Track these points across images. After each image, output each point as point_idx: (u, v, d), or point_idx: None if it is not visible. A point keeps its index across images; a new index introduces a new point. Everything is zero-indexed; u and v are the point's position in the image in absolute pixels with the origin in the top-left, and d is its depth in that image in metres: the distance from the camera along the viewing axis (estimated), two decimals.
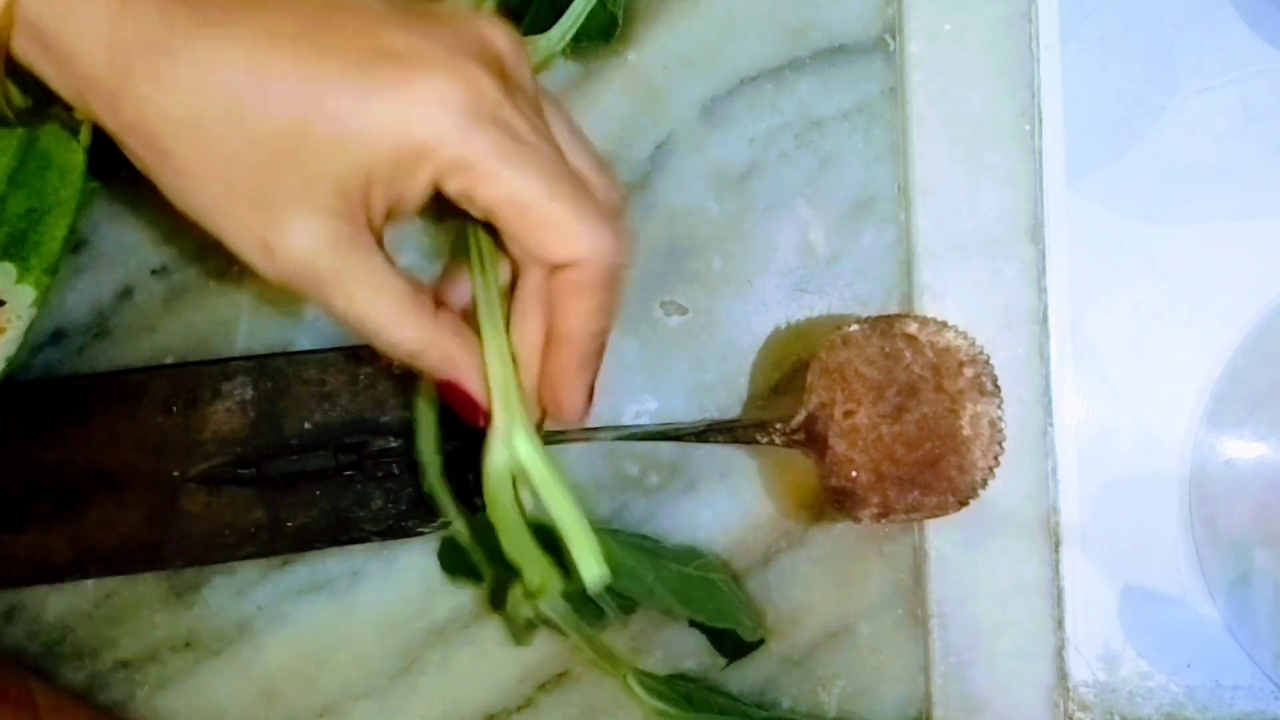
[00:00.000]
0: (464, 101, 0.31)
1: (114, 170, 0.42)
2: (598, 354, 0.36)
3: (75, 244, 0.45)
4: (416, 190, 0.32)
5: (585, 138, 0.37)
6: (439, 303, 0.36)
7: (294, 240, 0.32)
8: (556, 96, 0.37)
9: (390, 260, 0.34)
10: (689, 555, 0.46)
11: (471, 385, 0.36)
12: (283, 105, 0.30)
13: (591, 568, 0.35)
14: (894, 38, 0.48)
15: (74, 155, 0.40)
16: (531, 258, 0.35)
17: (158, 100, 0.30)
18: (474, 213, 0.34)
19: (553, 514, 0.36)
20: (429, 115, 0.31)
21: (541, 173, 0.32)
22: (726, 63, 0.48)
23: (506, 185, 0.32)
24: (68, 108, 0.33)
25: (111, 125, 0.31)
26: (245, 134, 0.31)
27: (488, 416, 0.36)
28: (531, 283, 0.36)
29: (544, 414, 0.37)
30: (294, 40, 0.31)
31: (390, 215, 0.33)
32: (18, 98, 0.33)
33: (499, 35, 0.34)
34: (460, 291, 0.38)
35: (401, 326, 0.34)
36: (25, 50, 0.31)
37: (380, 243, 0.33)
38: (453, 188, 0.32)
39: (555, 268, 0.34)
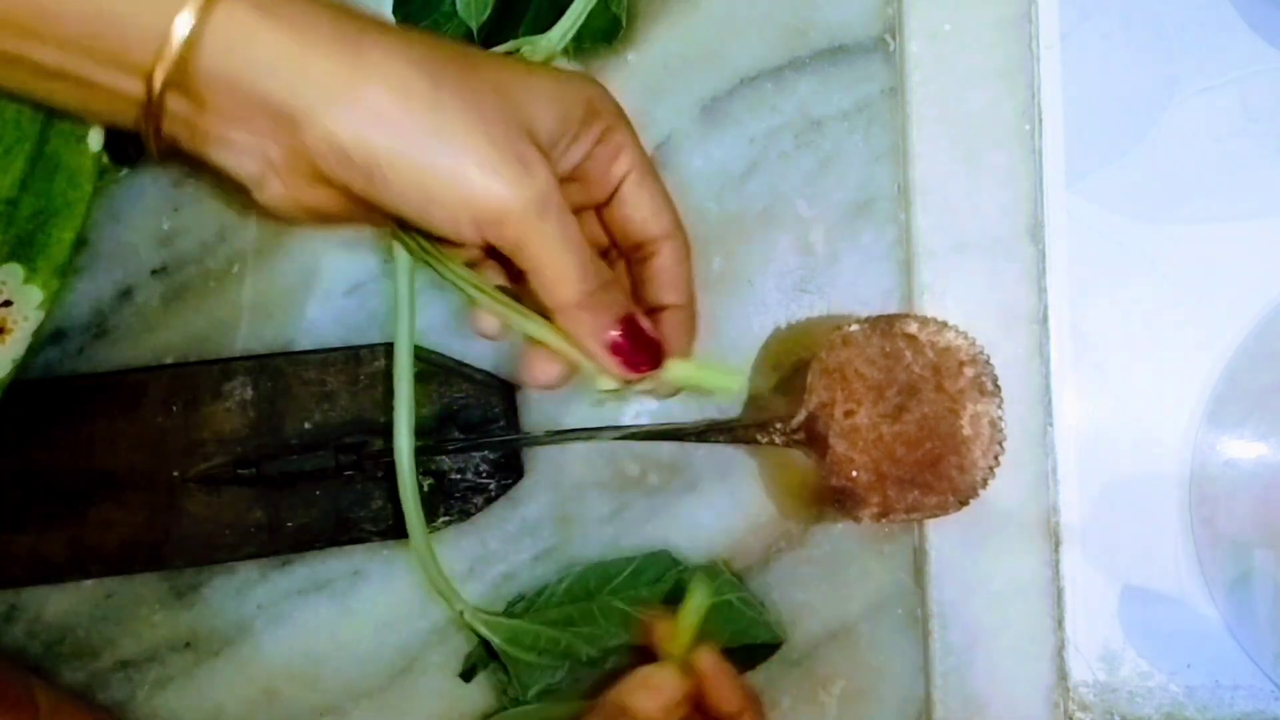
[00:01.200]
0: (537, 195, 0.35)
1: (134, 157, 0.43)
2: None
3: (76, 244, 0.45)
4: (582, 148, 0.38)
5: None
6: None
7: (534, 167, 0.35)
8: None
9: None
10: (708, 574, 0.46)
11: (646, 323, 0.39)
12: (403, 170, 0.34)
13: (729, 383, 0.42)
14: (894, 38, 0.48)
15: (83, 159, 0.40)
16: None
17: (381, 73, 0.34)
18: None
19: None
20: (510, 200, 0.35)
21: (571, 256, 0.37)
22: (726, 63, 0.48)
23: (534, 258, 0.36)
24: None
25: (333, 104, 0.34)
26: (454, 93, 0.35)
27: (662, 358, 0.40)
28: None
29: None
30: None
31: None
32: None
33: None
34: None
35: (591, 255, 0.38)
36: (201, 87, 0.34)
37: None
38: (608, 147, 0.39)
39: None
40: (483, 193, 0.34)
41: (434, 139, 0.34)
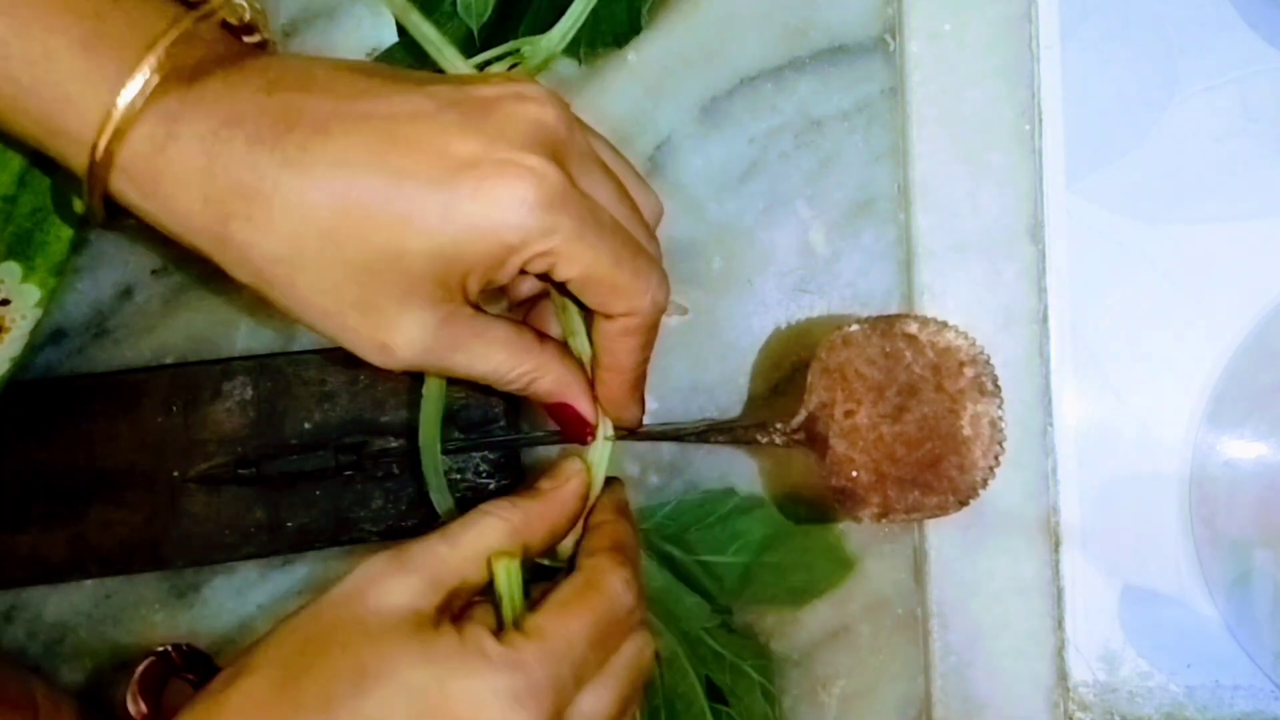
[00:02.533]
0: (537, 197, 0.34)
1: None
2: (645, 374, 0.41)
3: (76, 244, 0.45)
4: (506, 274, 0.36)
5: (628, 167, 0.41)
6: (541, 336, 0.40)
7: (406, 336, 0.35)
8: (600, 138, 0.40)
9: (488, 314, 0.37)
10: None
11: (582, 404, 0.40)
12: (373, 232, 0.33)
13: None
14: (894, 38, 0.48)
15: None
16: (598, 311, 0.38)
17: (257, 242, 0.33)
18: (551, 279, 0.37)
19: None
20: (511, 219, 0.34)
21: (606, 245, 0.36)
22: (726, 63, 0.48)
23: (579, 262, 0.35)
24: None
25: (218, 259, 0.35)
26: (344, 260, 0.34)
27: (593, 430, 0.41)
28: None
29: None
30: (369, 167, 0.33)
31: (483, 290, 0.37)
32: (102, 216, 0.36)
33: (547, 110, 0.35)
34: (552, 327, 0.42)
35: (516, 365, 0.38)
36: (126, 192, 0.34)
37: (479, 303, 0.37)
38: (536, 268, 0.35)
39: (610, 315, 0.38)
40: (371, 355, 0.36)
41: (319, 298, 0.35)
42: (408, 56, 0.45)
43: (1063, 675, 0.49)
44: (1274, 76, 0.50)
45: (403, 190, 0.33)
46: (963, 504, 0.45)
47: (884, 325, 0.44)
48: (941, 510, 0.45)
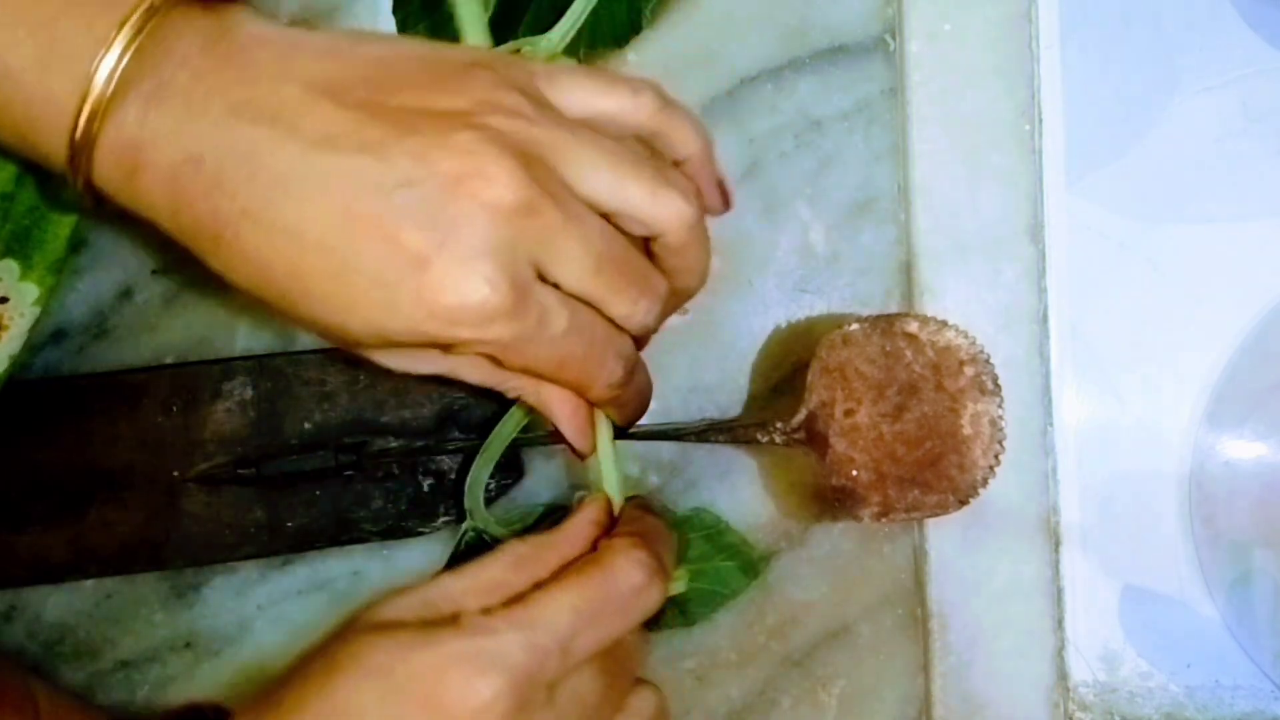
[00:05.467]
0: (481, 312, 0.32)
1: None
2: (643, 379, 0.40)
3: (75, 243, 0.45)
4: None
5: (603, 83, 0.37)
6: None
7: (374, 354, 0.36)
8: (565, 70, 0.37)
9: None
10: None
11: (564, 426, 0.40)
12: (319, 306, 0.33)
13: None
14: (894, 38, 0.48)
15: None
16: None
17: (228, 263, 0.33)
18: None
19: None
20: (452, 329, 0.32)
21: (549, 354, 0.34)
22: (726, 63, 0.48)
23: (520, 362, 0.35)
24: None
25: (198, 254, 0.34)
26: (305, 294, 0.33)
27: (585, 449, 0.40)
28: None
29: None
30: (321, 249, 0.32)
31: None
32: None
33: (512, 187, 0.32)
34: None
35: (501, 381, 0.38)
36: (110, 177, 0.33)
37: None
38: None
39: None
40: (443, 293, 0.33)
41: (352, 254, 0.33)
42: None
43: (1063, 675, 0.49)
44: (1274, 76, 0.50)
45: (349, 280, 0.32)
46: (963, 503, 0.45)
47: (884, 325, 0.44)
48: (941, 510, 0.45)
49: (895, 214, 0.48)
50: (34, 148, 0.33)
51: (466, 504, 0.44)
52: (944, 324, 0.44)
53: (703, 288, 0.39)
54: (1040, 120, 0.49)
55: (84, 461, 0.44)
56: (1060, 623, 0.49)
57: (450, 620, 0.33)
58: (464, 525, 0.45)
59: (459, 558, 0.46)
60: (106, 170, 0.32)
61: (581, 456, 0.40)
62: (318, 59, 0.33)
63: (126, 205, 0.34)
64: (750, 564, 0.47)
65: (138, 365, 0.46)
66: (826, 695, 0.48)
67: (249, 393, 0.45)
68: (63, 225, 0.40)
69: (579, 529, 0.38)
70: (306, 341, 0.46)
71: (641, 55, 0.47)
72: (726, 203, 0.40)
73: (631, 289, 0.35)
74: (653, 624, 0.41)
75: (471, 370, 0.38)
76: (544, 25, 0.44)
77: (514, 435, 0.44)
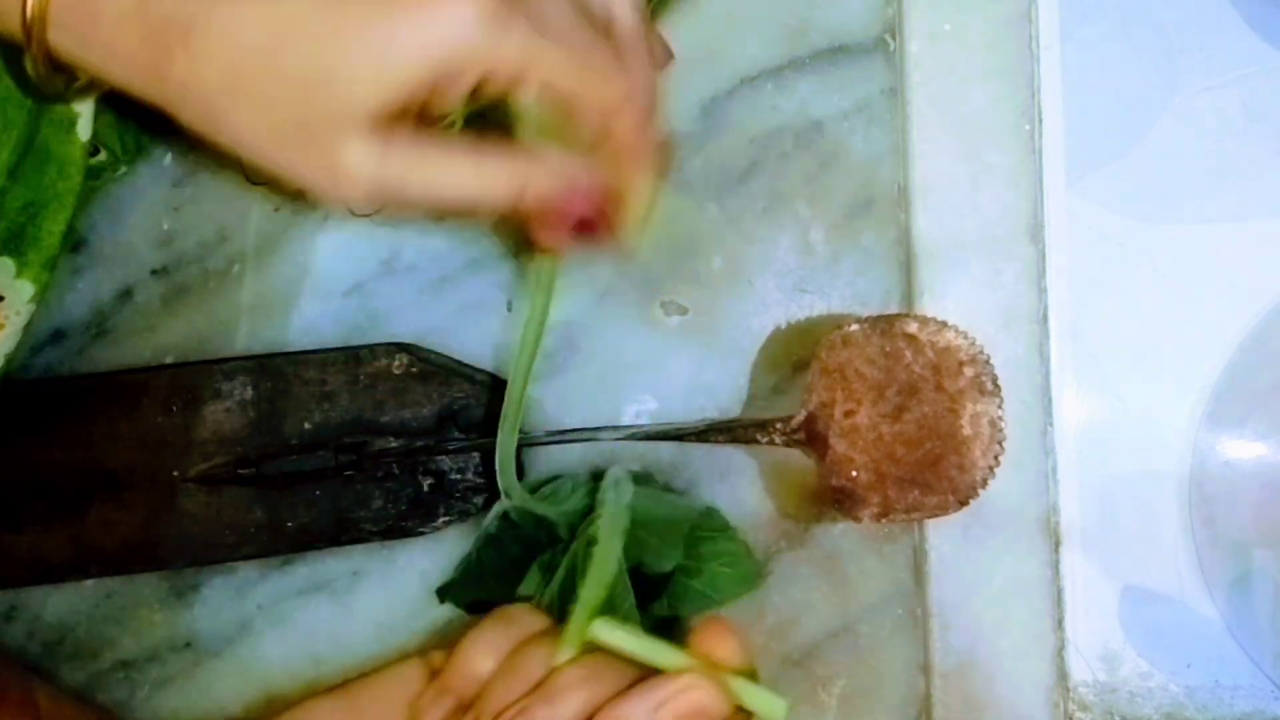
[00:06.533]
0: (479, 11, 0.32)
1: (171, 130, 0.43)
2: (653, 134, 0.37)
3: (75, 244, 0.45)
4: (455, 97, 0.33)
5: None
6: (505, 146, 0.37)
7: (354, 162, 0.33)
8: None
9: (441, 135, 0.35)
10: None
11: (592, 181, 0.36)
12: (311, 52, 0.32)
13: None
14: (894, 38, 0.48)
15: (73, 149, 0.40)
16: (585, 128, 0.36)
17: (196, 71, 0.32)
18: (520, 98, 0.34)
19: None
20: (455, 36, 0.32)
21: (567, 54, 0.33)
22: (726, 63, 0.48)
23: (539, 80, 0.33)
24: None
25: (161, 99, 0.33)
26: (283, 82, 0.32)
27: (611, 218, 0.36)
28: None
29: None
30: (300, 20, 0.32)
31: (436, 114, 0.35)
32: (60, 84, 0.35)
33: None
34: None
35: (493, 175, 0.35)
36: (65, 46, 0.33)
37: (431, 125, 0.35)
38: (490, 90, 0.33)
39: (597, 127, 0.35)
40: (326, 185, 0.33)
41: (261, 131, 0.33)
42: None
43: (1063, 675, 0.49)
44: (1274, 76, 0.50)
45: (340, 11, 0.32)
46: (963, 504, 0.45)
47: (884, 325, 0.44)
48: (941, 510, 0.45)
49: (895, 214, 0.48)
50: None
51: (501, 485, 0.44)
52: (944, 324, 0.44)
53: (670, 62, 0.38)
54: (1040, 120, 0.49)
55: (84, 461, 0.44)
56: (1060, 623, 0.49)
57: None
58: (498, 506, 0.45)
59: (492, 539, 0.46)
60: (62, 34, 0.32)
61: (621, 226, 0.37)
62: None
63: (83, 64, 0.34)
64: (748, 575, 0.47)
65: (138, 365, 0.46)
66: (826, 695, 0.48)
67: (249, 393, 0.45)
68: (57, 221, 0.40)
69: None
70: (306, 342, 0.46)
71: None
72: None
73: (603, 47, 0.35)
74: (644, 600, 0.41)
75: (455, 169, 0.35)
76: None
77: (525, 389, 0.42)
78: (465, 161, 0.35)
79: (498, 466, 0.43)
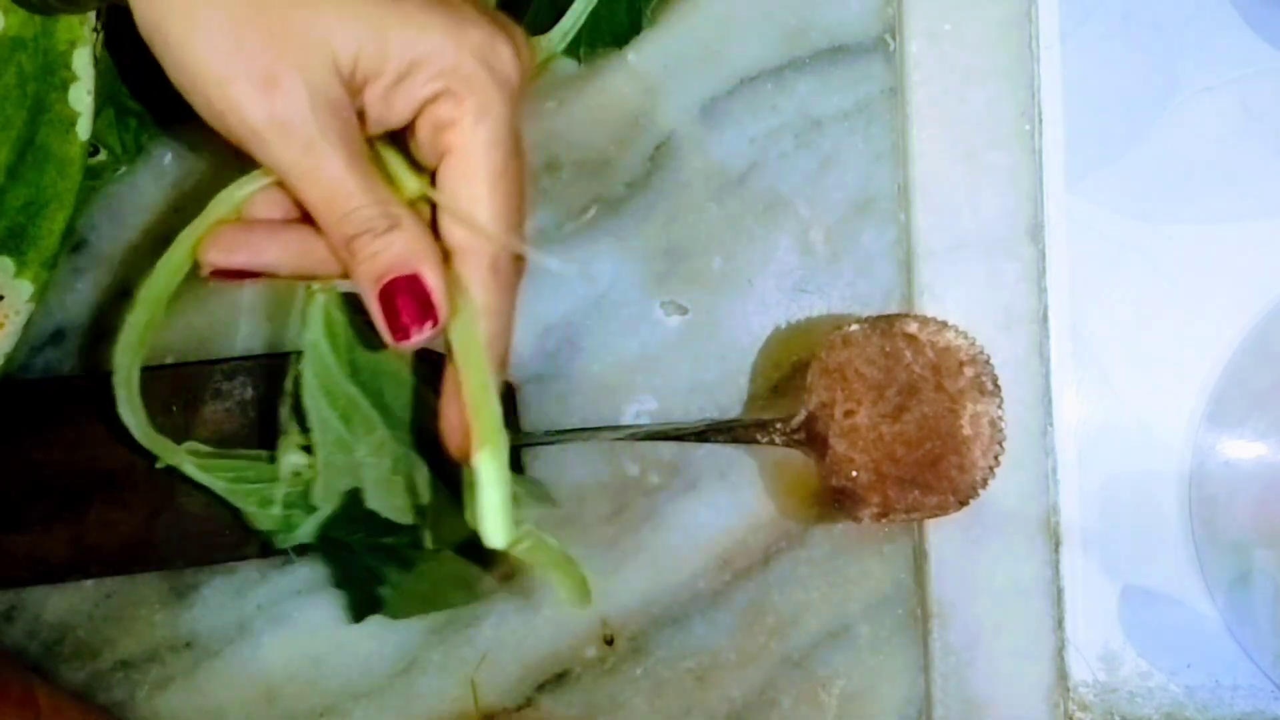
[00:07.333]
0: (478, 44, 0.33)
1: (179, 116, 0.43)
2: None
3: (75, 244, 0.45)
4: (406, 102, 0.34)
5: None
6: None
7: (291, 86, 0.32)
8: None
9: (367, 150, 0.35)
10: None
11: (432, 279, 0.35)
12: None
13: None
14: (894, 38, 0.48)
15: (72, 147, 0.40)
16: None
17: None
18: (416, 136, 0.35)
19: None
20: (446, 45, 0.33)
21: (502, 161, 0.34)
22: (726, 63, 0.48)
23: (475, 142, 0.34)
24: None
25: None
26: (250, 20, 0.32)
27: (437, 320, 0.35)
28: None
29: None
30: None
31: (375, 120, 0.35)
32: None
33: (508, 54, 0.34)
34: None
35: (363, 193, 0.34)
36: None
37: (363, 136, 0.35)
38: (439, 112, 0.34)
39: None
40: (225, 105, 0.32)
41: (196, 35, 0.32)
42: None
43: (1063, 675, 0.49)
44: (1274, 76, 0.50)
45: None
46: (963, 504, 0.45)
47: (884, 325, 0.44)
48: (941, 510, 0.45)
49: (895, 214, 0.48)
50: None
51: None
52: (944, 324, 0.44)
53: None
54: (1040, 120, 0.49)
55: (84, 461, 0.44)
56: (1060, 623, 0.49)
57: None
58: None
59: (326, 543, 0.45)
60: None
61: (431, 325, 0.36)
62: None
63: None
64: (470, 585, 0.45)
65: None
66: (826, 695, 0.48)
67: (249, 393, 0.45)
68: (56, 220, 0.40)
69: None
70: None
71: (641, 55, 0.47)
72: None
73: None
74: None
75: (345, 164, 0.34)
76: (544, 26, 0.44)
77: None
78: (364, 168, 0.34)
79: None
